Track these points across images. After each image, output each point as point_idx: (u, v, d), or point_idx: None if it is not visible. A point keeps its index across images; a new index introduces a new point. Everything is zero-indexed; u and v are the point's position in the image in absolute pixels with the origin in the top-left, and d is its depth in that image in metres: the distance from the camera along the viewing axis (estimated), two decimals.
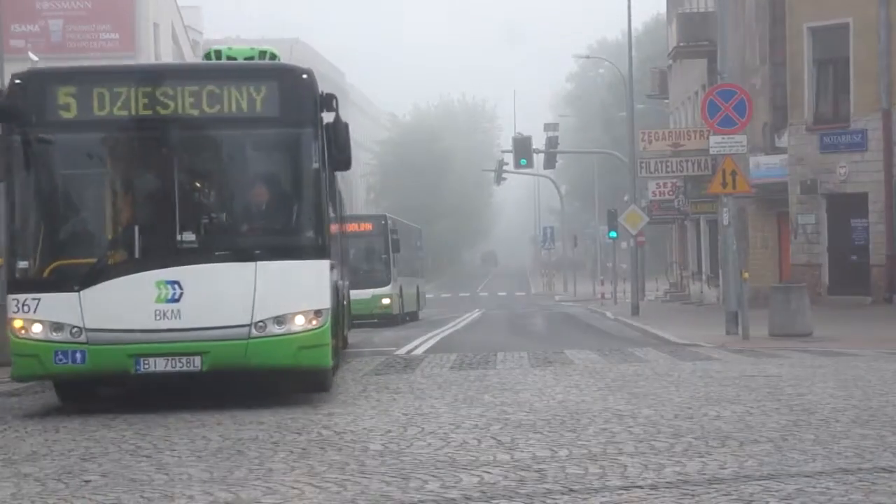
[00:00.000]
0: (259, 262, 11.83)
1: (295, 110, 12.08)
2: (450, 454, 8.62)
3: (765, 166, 35.85)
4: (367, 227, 36.42)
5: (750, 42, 38.22)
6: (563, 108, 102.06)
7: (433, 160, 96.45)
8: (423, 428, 10.10)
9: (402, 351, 21.58)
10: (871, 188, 32.25)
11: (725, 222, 23.69)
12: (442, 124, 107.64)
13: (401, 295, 38.02)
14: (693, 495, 6.87)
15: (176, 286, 11.68)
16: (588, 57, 79.88)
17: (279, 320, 11.82)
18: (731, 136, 22.72)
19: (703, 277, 46.99)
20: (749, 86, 34.93)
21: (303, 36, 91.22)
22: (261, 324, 11.77)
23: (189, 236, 11.91)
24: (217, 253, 11.91)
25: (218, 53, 14.45)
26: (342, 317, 17.98)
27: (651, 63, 60.95)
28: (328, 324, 12.16)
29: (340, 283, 16.38)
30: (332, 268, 12.92)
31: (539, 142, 50.73)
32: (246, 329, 11.76)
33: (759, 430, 9.46)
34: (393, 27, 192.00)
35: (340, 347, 17.01)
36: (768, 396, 11.87)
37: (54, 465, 8.65)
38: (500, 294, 76.80)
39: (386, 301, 36.16)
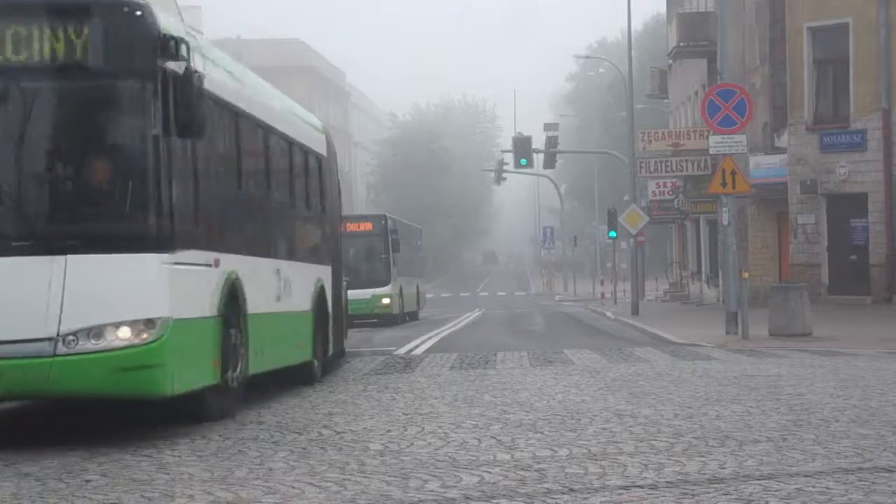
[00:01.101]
0: (70, 256, 9.20)
1: (123, 57, 9.43)
2: (450, 454, 8.61)
3: (765, 166, 35.87)
4: (367, 226, 36.48)
5: (750, 42, 38.22)
6: (563, 108, 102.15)
7: (433, 160, 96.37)
8: (423, 427, 10.10)
9: (402, 351, 21.58)
10: (871, 188, 32.27)
11: (725, 222, 23.70)
12: (442, 124, 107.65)
13: (401, 295, 38.03)
14: (693, 495, 6.87)
15: None
16: (588, 57, 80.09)
17: (94, 332, 9.18)
18: (730, 135, 22.72)
19: (703, 277, 47.00)
20: (749, 86, 34.96)
21: (303, 36, 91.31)
22: (70, 337, 9.15)
23: None
24: (14, 243, 9.27)
25: None
26: (326, 326, 15.95)
27: (651, 63, 60.98)
28: (166, 337, 9.34)
29: (265, 285, 12.70)
30: (216, 263, 10.59)
31: (539, 142, 50.76)
32: (50, 344, 9.14)
33: (758, 429, 9.47)
34: (393, 27, 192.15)
35: (320, 357, 15.21)
36: (768, 396, 11.87)
37: (54, 464, 8.63)
38: (499, 294, 76.85)
39: (386, 301, 36.18)
